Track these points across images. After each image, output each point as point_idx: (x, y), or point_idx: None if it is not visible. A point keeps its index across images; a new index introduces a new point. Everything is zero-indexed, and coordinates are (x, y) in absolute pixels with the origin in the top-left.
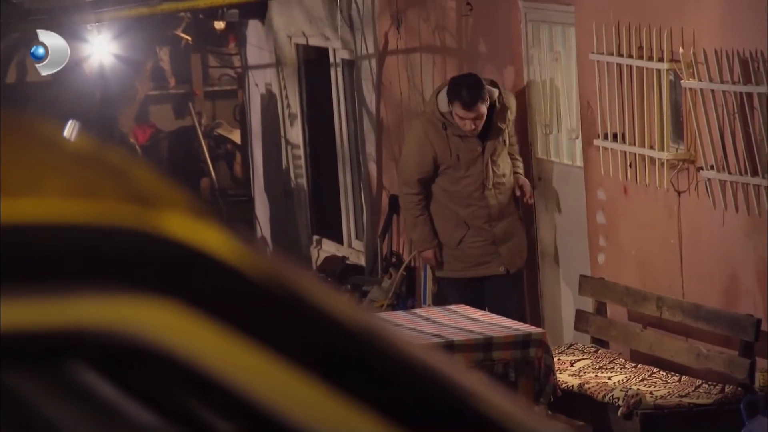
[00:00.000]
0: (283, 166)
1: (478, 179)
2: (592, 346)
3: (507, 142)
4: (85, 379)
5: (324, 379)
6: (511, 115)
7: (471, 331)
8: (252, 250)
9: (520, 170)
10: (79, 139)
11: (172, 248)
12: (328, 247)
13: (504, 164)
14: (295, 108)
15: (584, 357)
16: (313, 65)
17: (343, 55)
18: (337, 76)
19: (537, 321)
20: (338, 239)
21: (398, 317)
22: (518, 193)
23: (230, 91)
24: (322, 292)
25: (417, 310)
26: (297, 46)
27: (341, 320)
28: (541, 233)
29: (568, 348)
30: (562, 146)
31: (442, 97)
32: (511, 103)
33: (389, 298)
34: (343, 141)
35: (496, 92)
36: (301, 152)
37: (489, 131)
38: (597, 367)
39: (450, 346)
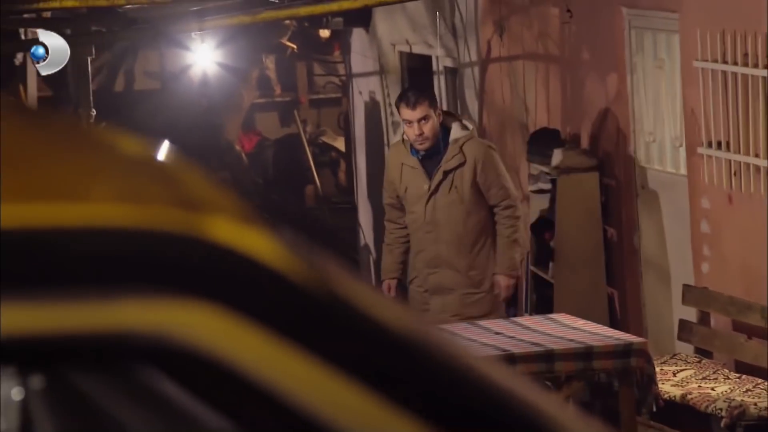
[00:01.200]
0: None
1: (421, 218)
2: (695, 357)
3: (462, 192)
4: (140, 380)
5: (369, 386)
6: (475, 164)
7: (571, 340)
8: (300, 256)
9: (508, 253)
10: (132, 144)
11: (219, 253)
12: None
13: (457, 213)
14: (398, 116)
15: (687, 367)
16: (416, 73)
17: (446, 62)
18: (439, 84)
19: (639, 330)
20: None
21: (498, 325)
22: (497, 291)
23: (335, 98)
24: (372, 299)
25: (517, 319)
26: (400, 53)
27: (389, 327)
28: (644, 242)
29: (671, 358)
30: (665, 154)
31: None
32: (472, 151)
33: None
34: None
35: (459, 134)
36: None
37: (436, 170)
38: (700, 377)
39: (549, 356)
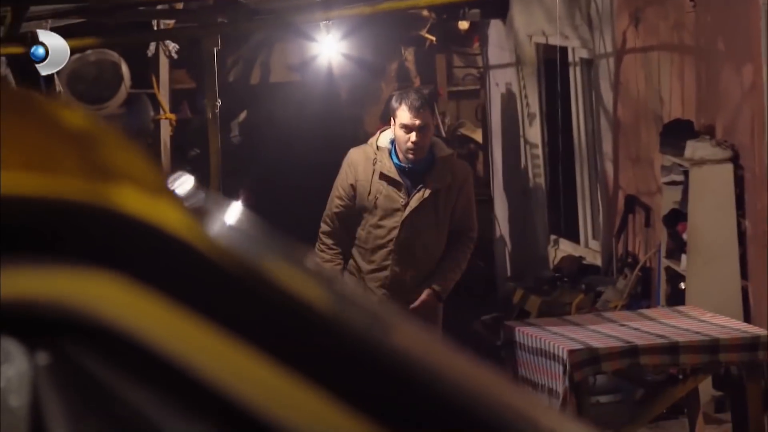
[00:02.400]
0: (522, 166)
1: (389, 234)
2: None
3: (441, 216)
4: (44, 349)
5: (281, 360)
6: (460, 187)
7: (697, 333)
8: (212, 229)
9: (448, 268)
10: (64, 114)
11: (124, 223)
12: (565, 247)
13: (432, 236)
14: (534, 107)
15: None
16: (552, 64)
17: (582, 53)
18: (575, 76)
19: None
20: (575, 239)
21: (623, 317)
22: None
23: (473, 90)
24: (289, 273)
25: (643, 310)
26: (537, 45)
27: (310, 305)
28: None
29: None
30: None
31: (386, 133)
32: (461, 172)
33: (624, 298)
34: (580, 140)
35: (447, 152)
36: (539, 152)
37: (418, 187)
38: None
39: (674, 348)
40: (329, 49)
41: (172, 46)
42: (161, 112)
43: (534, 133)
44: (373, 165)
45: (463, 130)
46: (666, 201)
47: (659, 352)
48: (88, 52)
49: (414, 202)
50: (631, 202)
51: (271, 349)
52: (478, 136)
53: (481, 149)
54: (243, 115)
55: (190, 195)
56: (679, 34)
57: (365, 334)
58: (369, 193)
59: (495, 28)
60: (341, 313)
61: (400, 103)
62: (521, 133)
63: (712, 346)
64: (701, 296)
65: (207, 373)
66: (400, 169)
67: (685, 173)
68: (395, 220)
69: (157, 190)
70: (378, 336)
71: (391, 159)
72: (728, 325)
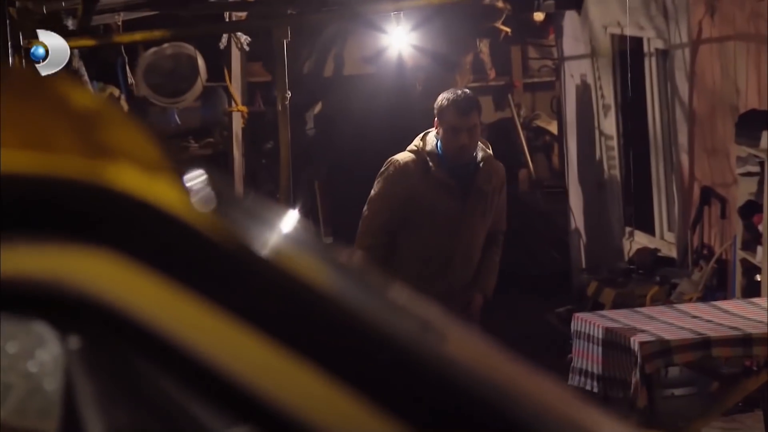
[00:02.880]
0: (597, 158)
1: (448, 240)
2: None
3: (487, 219)
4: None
5: (273, 336)
6: (500, 187)
7: None
8: (210, 208)
9: (488, 271)
10: (72, 95)
11: (120, 201)
12: (641, 239)
13: (479, 241)
14: (609, 99)
15: None
16: (627, 55)
17: (657, 44)
18: (650, 66)
19: None
20: (650, 231)
21: (696, 309)
22: (465, 310)
23: (549, 82)
24: (288, 254)
25: (716, 303)
26: (612, 36)
27: (299, 281)
28: None
29: None
30: None
31: (430, 138)
32: (499, 172)
33: (699, 290)
34: (655, 132)
35: (487, 152)
36: (614, 143)
37: (470, 191)
38: None
39: (747, 340)
40: (399, 40)
41: (244, 39)
42: (233, 104)
43: (609, 124)
44: (426, 171)
45: (538, 122)
46: (741, 192)
47: (732, 344)
48: (165, 45)
49: (470, 206)
50: (707, 194)
51: (264, 326)
52: (553, 128)
53: (557, 141)
54: (318, 108)
55: (192, 176)
56: (755, 24)
57: (375, 323)
58: (425, 201)
59: (570, 19)
60: (345, 295)
61: (447, 105)
62: (596, 124)
63: None
64: None
65: (200, 349)
66: (451, 173)
67: (761, 164)
68: (453, 227)
69: (155, 169)
70: (396, 327)
71: (441, 162)
72: None
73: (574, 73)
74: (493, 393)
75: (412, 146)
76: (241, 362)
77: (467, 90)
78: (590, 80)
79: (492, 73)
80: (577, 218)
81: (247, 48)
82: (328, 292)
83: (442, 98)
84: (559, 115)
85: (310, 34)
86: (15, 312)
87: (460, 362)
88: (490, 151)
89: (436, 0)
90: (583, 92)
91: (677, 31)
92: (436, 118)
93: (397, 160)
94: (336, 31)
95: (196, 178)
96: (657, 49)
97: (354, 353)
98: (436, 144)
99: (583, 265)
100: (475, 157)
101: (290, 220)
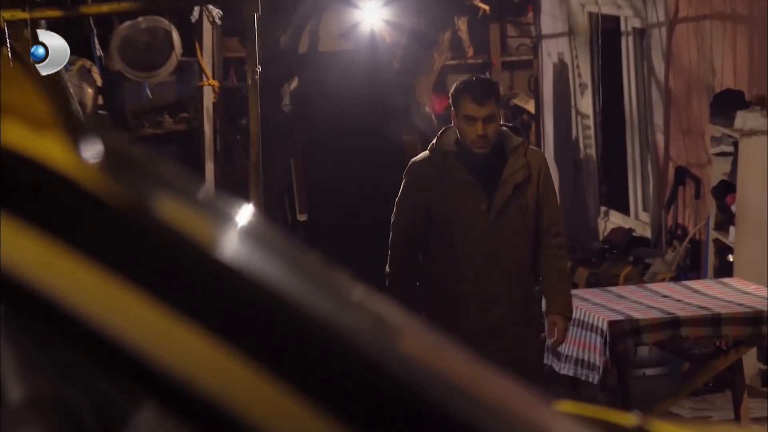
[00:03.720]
0: (573, 137)
1: (476, 245)
2: None
3: (529, 214)
4: None
5: (159, 295)
6: (539, 176)
7: (740, 305)
8: (98, 165)
9: (557, 289)
10: None
11: (3, 157)
12: (615, 219)
13: (522, 239)
14: (586, 77)
15: None
16: (604, 34)
17: (634, 23)
18: (627, 45)
19: None
20: (625, 211)
21: (666, 288)
22: (549, 336)
23: (527, 61)
24: (182, 212)
25: (687, 282)
26: (590, 14)
27: (188, 239)
28: None
29: None
30: None
31: (447, 135)
32: (536, 160)
33: (672, 270)
34: (631, 111)
35: (517, 140)
36: (590, 122)
37: (497, 185)
38: None
39: (716, 320)
40: (372, 15)
41: (216, 12)
42: (204, 78)
43: (585, 103)
44: (443, 173)
45: (516, 101)
46: (715, 172)
47: (701, 324)
48: (140, 19)
49: (497, 203)
50: (682, 174)
51: (150, 285)
52: (530, 107)
53: (534, 120)
54: (294, 84)
55: (86, 134)
56: (731, 4)
57: (260, 281)
58: (446, 205)
59: None
60: (235, 253)
61: (463, 93)
62: (573, 103)
63: (755, 318)
64: (749, 268)
65: (85, 309)
66: (472, 170)
67: (735, 144)
68: (480, 229)
69: (43, 125)
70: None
71: (462, 162)
72: None
73: (551, 52)
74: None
75: (429, 147)
76: (126, 321)
77: (485, 76)
78: (567, 59)
79: (470, 51)
80: None
81: (219, 22)
82: (220, 254)
83: (457, 86)
84: (536, 94)
85: (285, 10)
86: None
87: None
88: (521, 138)
89: None
90: (561, 71)
91: (654, 10)
92: (451, 108)
93: (413, 162)
94: (311, 6)
95: (89, 136)
96: (634, 28)
97: (242, 316)
98: (455, 142)
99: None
100: (501, 147)
101: (200, 186)
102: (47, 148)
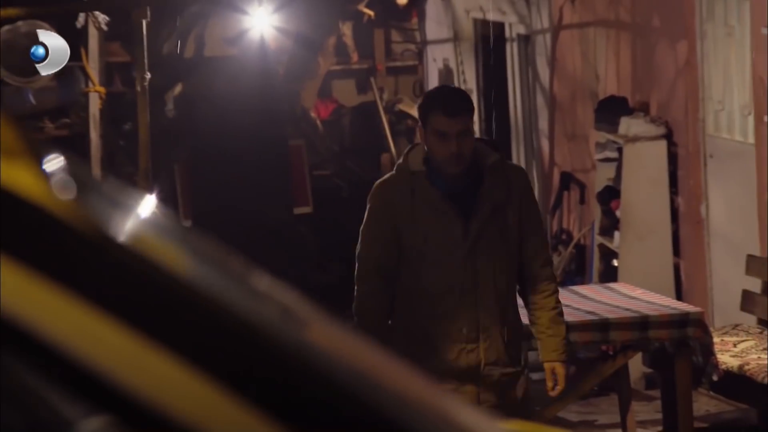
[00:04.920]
0: None
1: (453, 276)
2: (757, 328)
3: (511, 239)
4: None
5: (130, 321)
6: (521, 195)
7: (627, 309)
8: (68, 193)
9: (549, 327)
10: None
11: None
12: None
13: (502, 266)
14: (471, 83)
15: (749, 338)
16: (489, 40)
17: (519, 29)
18: (512, 51)
19: (704, 301)
20: None
21: None
22: (549, 384)
23: (412, 66)
24: (147, 239)
25: (574, 287)
26: (474, 20)
27: (169, 274)
28: (711, 211)
29: (732, 329)
30: (734, 123)
31: (415, 153)
32: (517, 177)
33: (558, 275)
34: (516, 117)
35: (494, 156)
36: (476, 128)
37: (473, 207)
38: (761, 348)
39: (604, 324)
40: (261, 22)
41: (102, 18)
42: (90, 84)
43: None
44: (412, 196)
45: (401, 106)
46: (600, 178)
47: (589, 329)
48: (19, 23)
49: (474, 227)
50: (567, 179)
51: (121, 311)
52: (415, 112)
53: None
54: (178, 89)
55: (49, 160)
56: (615, 11)
57: (231, 305)
58: (416, 233)
59: (433, 3)
60: (202, 279)
61: (432, 105)
62: None
63: (642, 323)
64: (634, 273)
65: (57, 337)
66: (445, 192)
67: (619, 150)
68: (457, 257)
69: (12, 153)
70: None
71: (431, 183)
72: (658, 302)
73: (436, 57)
74: (353, 380)
75: (396, 167)
76: (98, 349)
77: (457, 87)
78: (453, 64)
79: (355, 56)
80: None
81: (105, 28)
82: (185, 278)
83: (426, 98)
84: None
85: (170, 14)
86: None
87: (320, 348)
88: (498, 154)
89: None
90: (446, 76)
91: (539, 17)
92: (419, 123)
93: (378, 184)
94: (197, 11)
95: (53, 162)
96: (519, 34)
97: (210, 338)
98: (424, 160)
99: None
100: (476, 164)
101: (148, 204)
102: (18, 177)
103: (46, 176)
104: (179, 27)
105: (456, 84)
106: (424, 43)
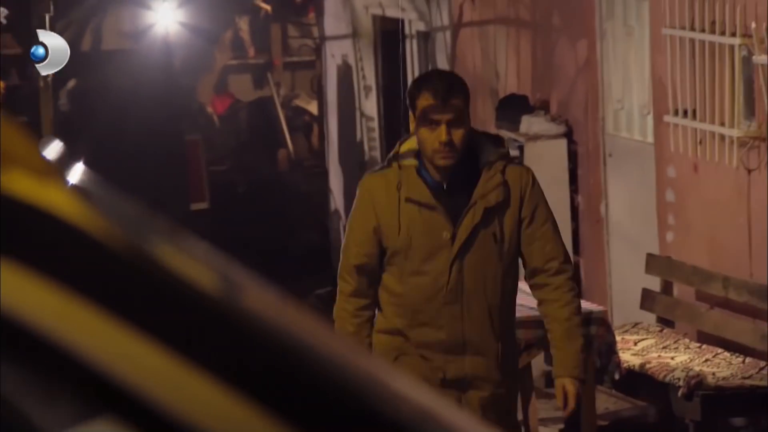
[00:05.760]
0: (358, 139)
1: (437, 281)
2: (657, 326)
3: (506, 246)
4: None
5: (172, 347)
6: (521, 198)
7: (531, 308)
8: (102, 213)
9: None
10: None
11: (11, 206)
12: None
13: (494, 273)
14: (371, 80)
15: (649, 336)
16: (389, 37)
17: (419, 26)
18: (412, 48)
19: (604, 299)
20: None
21: None
22: (559, 402)
23: (309, 61)
24: (181, 260)
25: None
26: (373, 16)
27: (193, 288)
28: (610, 210)
29: (632, 327)
30: (633, 122)
31: (407, 145)
32: (517, 178)
33: None
34: None
35: (496, 153)
36: (375, 125)
37: (466, 208)
38: (661, 346)
39: None
40: (159, 15)
41: (2, 11)
42: None
43: (370, 105)
44: (398, 191)
45: (297, 102)
46: None
47: None
48: None
49: (463, 231)
50: None
51: (160, 332)
52: (313, 108)
53: (316, 121)
54: (72, 83)
55: (72, 172)
56: (515, 9)
57: (256, 320)
58: (399, 231)
59: None
60: (230, 298)
61: (421, 89)
62: (357, 105)
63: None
64: None
65: (97, 358)
66: (435, 189)
67: (521, 148)
68: (442, 261)
69: (45, 173)
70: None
71: (421, 177)
72: None
73: (335, 53)
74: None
75: (387, 159)
76: (136, 368)
77: (450, 70)
78: (352, 61)
79: (251, 51)
80: (338, 199)
81: (4, 21)
82: (215, 294)
83: (414, 83)
84: (319, 95)
85: (67, 5)
86: None
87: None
88: (505, 149)
89: None
90: (345, 73)
91: (439, 14)
92: (409, 112)
93: (367, 175)
94: (94, 4)
95: (78, 179)
96: (418, 31)
97: (244, 360)
98: (416, 153)
99: None
100: (473, 159)
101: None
102: (54, 196)
103: (77, 194)
104: (76, 19)
105: (355, 80)
106: (323, 38)
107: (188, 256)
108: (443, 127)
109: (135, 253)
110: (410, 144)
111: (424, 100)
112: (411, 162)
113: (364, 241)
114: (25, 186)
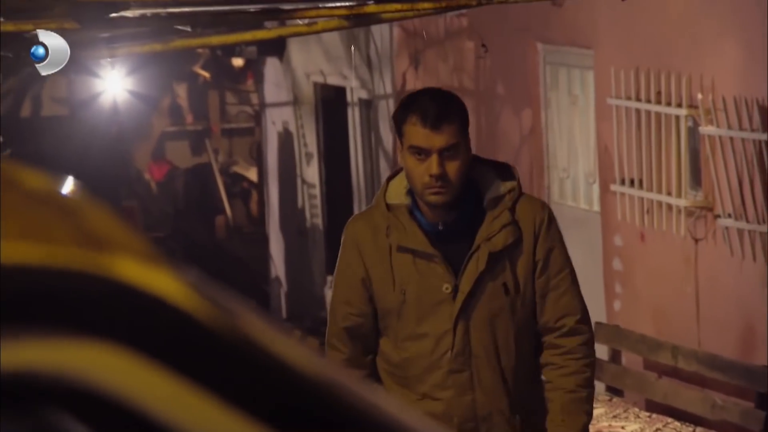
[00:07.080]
0: (299, 206)
1: (439, 345)
2: (606, 395)
3: (522, 297)
4: (44, 420)
5: (276, 427)
6: (534, 239)
7: None
8: (206, 296)
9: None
10: (35, 179)
11: (123, 292)
12: None
13: (508, 330)
14: (312, 147)
15: (598, 406)
16: (330, 104)
17: (361, 94)
18: (354, 116)
19: None
20: None
21: None
22: None
23: (247, 128)
24: (277, 339)
25: None
26: (315, 84)
27: (295, 368)
28: None
29: None
30: (579, 191)
31: (397, 182)
32: (530, 214)
33: None
34: (359, 181)
35: (503, 187)
36: (317, 191)
37: (469, 254)
38: (611, 416)
39: None
40: (112, 84)
41: None
42: None
43: (312, 172)
44: (387, 237)
45: (236, 168)
46: None
47: None
48: None
49: (467, 282)
50: None
51: (268, 416)
52: (252, 175)
53: (255, 188)
54: (7, 153)
55: (176, 263)
56: (458, 77)
57: (348, 398)
58: (391, 287)
59: (271, 65)
60: (325, 376)
61: (407, 112)
62: (298, 172)
63: None
64: None
65: None
66: (431, 233)
67: None
68: (444, 320)
69: (152, 259)
70: (360, 398)
71: (415, 220)
72: None
73: (275, 120)
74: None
75: (374, 199)
76: None
77: (442, 88)
78: (292, 128)
79: (189, 118)
80: (278, 266)
81: None
82: (311, 374)
83: (401, 107)
84: (259, 162)
85: (6, 73)
86: (19, 407)
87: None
88: (515, 181)
89: (158, 48)
90: (285, 139)
91: (381, 82)
92: (396, 139)
93: (349, 226)
94: (34, 71)
95: (181, 267)
96: (360, 99)
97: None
98: (408, 192)
99: (284, 314)
100: (476, 195)
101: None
102: (163, 282)
103: (184, 280)
104: (17, 87)
105: (296, 147)
106: (263, 105)
107: (276, 335)
108: (434, 157)
109: (238, 335)
110: (400, 180)
111: (411, 126)
112: (402, 201)
113: (353, 298)
114: (133, 270)
